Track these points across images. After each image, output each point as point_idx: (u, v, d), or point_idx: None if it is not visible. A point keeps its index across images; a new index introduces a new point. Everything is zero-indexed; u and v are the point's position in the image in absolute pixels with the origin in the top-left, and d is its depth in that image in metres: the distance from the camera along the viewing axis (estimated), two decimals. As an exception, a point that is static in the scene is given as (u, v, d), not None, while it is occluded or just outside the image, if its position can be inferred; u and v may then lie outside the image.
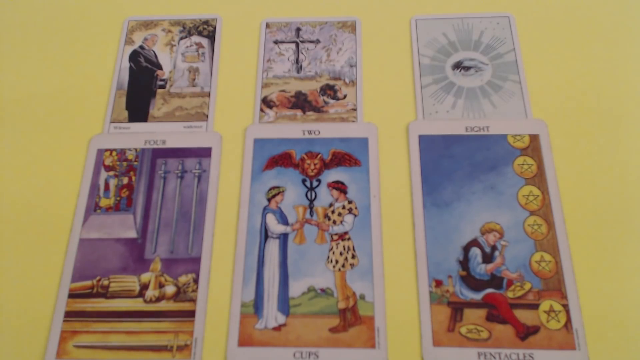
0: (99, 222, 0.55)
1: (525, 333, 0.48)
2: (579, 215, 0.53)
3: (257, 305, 0.50)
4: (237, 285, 0.51)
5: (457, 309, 0.49)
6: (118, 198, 0.56)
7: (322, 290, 0.51)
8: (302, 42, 0.65)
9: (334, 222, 0.53)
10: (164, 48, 0.65)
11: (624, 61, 0.61)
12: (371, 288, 0.50)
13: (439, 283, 0.50)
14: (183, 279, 0.52)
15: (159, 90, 0.62)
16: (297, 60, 0.63)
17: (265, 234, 0.53)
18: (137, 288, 0.51)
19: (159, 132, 0.59)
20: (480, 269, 0.51)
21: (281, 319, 0.50)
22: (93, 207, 0.55)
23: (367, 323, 0.49)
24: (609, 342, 0.48)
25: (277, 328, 0.49)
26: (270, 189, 0.55)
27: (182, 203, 0.55)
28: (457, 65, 0.62)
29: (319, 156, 0.57)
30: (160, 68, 0.64)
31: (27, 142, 0.60)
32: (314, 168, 0.56)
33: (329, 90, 0.61)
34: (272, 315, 0.50)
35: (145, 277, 0.52)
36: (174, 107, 0.61)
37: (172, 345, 0.49)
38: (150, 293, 0.51)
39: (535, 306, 0.49)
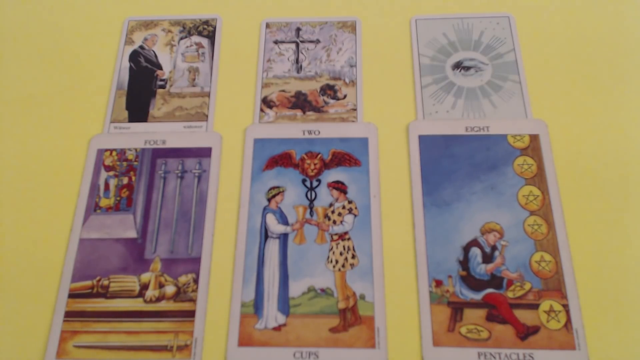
0: (99, 222, 0.55)
1: (525, 333, 0.48)
2: (579, 215, 0.53)
3: (257, 305, 0.50)
4: (237, 285, 0.51)
5: (457, 309, 0.49)
6: (118, 198, 0.56)
7: (322, 290, 0.51)
8: (302, 42, 0.65)
9: (334, 222, 0.53)
10: (164, 48, 0.65)
11: (624, 61, 0.61)
12: (371, 288, 0.50)
13: (439, 283, 0.50)
14: (183, 279, 0.52)
15: (159, 90, 0.62)
16: (297, 60, 0.63)
17: (265, 234, 0.53)
18: (137, 288, 0.51)
19: (159, 132, 0.59)
20: (480, 269, 0.51)
21: (281, 319, 0.50)
22: (93, 207, 0.55)
23: (367, 323, 0.49)
24: (609, 342, 0.48)
25: (277, 328, 0.49)
26: (270, 189, 0.55)
27: (182, 203, 0.55)
28: (457, 65, 0.62)
29: (319, 156, 0.57)
30: (160, 68, 0.64)
31: (27, 142, 0.60)
32: (314, 168, 0.56)
33: (329, 90, 0.61)
34: (272, 315, 0.50)
35: (145, 277, 0.52)
36: (174, 107, 0.61)
37: (172, 345, 0.49)
38: (150, 293, 0.51)
39: (535, 306, 0.49)
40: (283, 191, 0.55)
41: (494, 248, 0.51)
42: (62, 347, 0.49)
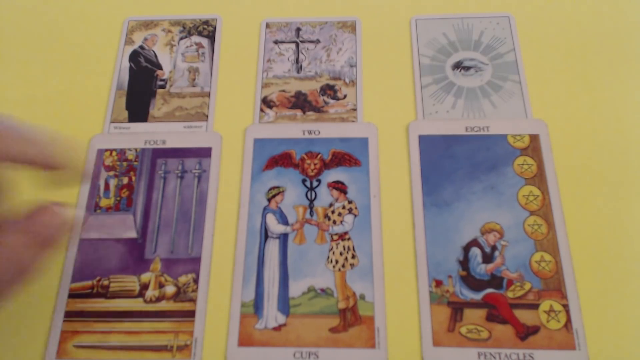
0: (99, 222, 0.55)
1: (525, 333, 0.48)
2: (579, 215, 0.53)
3: (257, 305, 0.50)
4: (237, 285, 0.51)
5: (457, 309, 0.49)
6: (118, 198, 0.56)
7: (322, 290, 0.51)
8: (302, 42, 0.65)
9: (334, 222, 0.53)
10: (164, 48, 0.65)
11: (624, 61, 0.61)
12: (371, 288, 0.50)
13: (439, 283, 0.50)
14: (183, 279, 0.52)
15: (159, 90, 0.62)
16: (297, 60, 0.63)
17: (265, 234, 0.53)
18: (137, 288, 0.51)
19: (159, 132, 0.59)
20: (480, 269, 0.51)
21: (281, 319, 0.50)
22: (93, 207, 0.55)
23: (367, 323, 0.49)
24: (609, 342, 0.48)
25: (277, 328, 0.49)
26: (270, 189, 0.55)
27: (182, 203, 0.55)
28: (457, 65, 0.62)
29: (319, 156, 0.57)
30: (160, 68, 0.64)
31: (27, 142, 0.60)
32: (314, 168, 0.56)
33: (329, 90, 0.61)
34: (272, 315, 0.50)
35: (145, 277, 0.52)
36: (174, 107, 0.61)
37: (172, 345, 0.49)
38: (150, 293, 0.51)
39: (535, 306, 0.49)
40: (283, 191, 0.55)
41: (494, 248, 0.51)
42: (62, 347, 0.49)
